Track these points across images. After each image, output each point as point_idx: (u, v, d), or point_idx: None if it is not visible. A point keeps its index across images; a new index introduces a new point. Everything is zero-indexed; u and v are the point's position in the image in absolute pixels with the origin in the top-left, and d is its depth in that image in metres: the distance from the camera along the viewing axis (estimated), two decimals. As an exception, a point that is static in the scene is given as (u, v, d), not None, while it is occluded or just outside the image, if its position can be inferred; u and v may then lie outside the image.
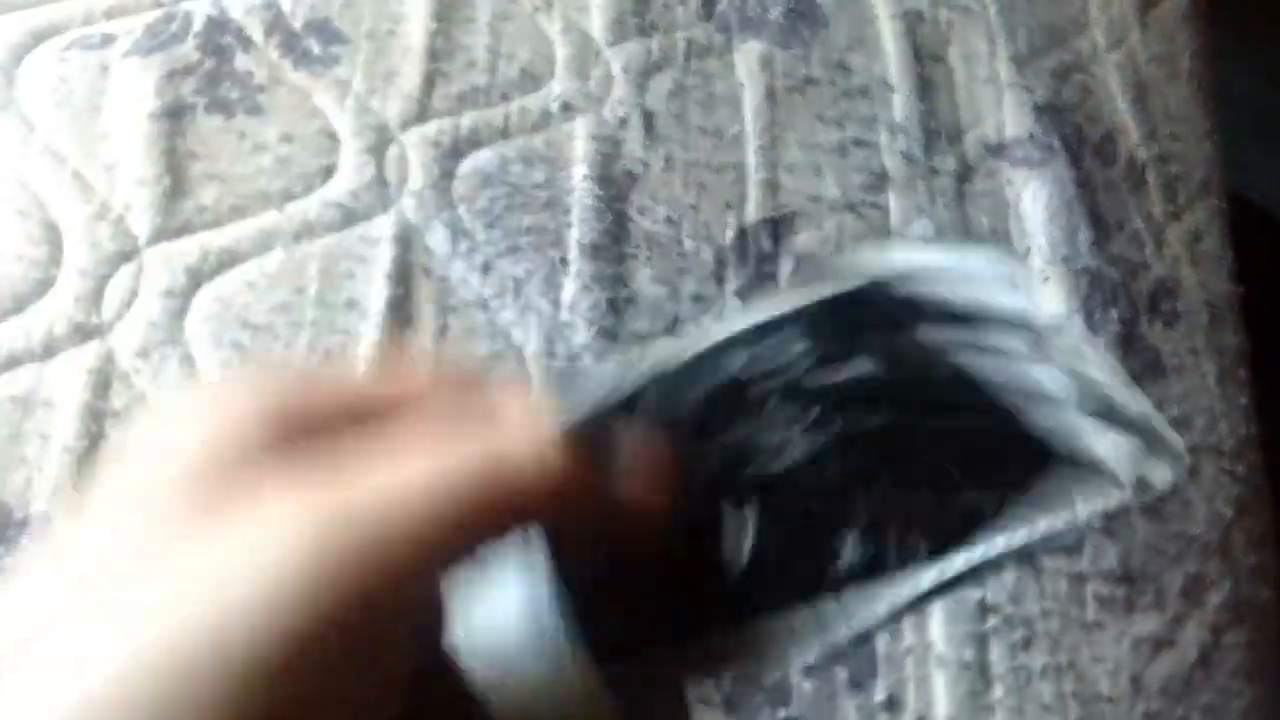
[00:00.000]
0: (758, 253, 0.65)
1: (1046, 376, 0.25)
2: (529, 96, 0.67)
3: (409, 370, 0.25)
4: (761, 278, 0.64)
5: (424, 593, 0.23)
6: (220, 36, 0.65)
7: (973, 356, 0.25)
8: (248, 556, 0.20)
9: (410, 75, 0.66)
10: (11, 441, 0.53)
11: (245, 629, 0.19)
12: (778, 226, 0.66)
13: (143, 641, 0.19)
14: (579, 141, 0.66)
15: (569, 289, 0.61)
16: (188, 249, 0.58)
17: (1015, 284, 0.26)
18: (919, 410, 0.25)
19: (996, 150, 0.72)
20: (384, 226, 0.61)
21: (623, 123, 0.67)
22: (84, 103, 0.61)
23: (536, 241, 0.62)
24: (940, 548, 0.25)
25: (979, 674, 0.56)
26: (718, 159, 0.68)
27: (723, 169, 0.67)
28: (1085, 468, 0.25)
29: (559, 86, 0.68)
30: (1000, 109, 0.74)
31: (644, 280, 0.63)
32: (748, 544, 0.24)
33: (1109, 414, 0.25)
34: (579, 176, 0.65)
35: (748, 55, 0.72)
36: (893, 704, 0.55)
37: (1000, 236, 0.69)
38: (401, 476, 0.21)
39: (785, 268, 0.65)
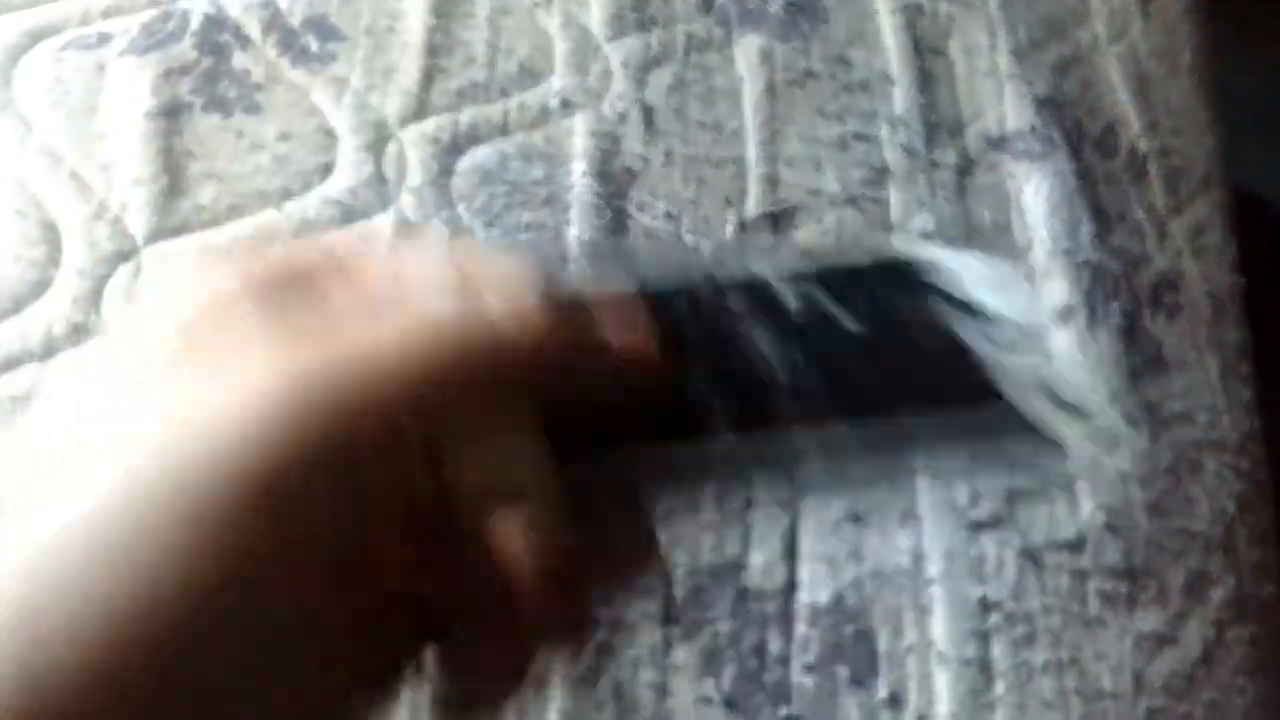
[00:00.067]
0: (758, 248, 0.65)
1: (1019, 363, 0.26)
2: (528, 92, 0.67)
3: (404, 238, 0.25)
4: (761, 274, 0.64)
5: (409, 440, 0.23)
6: (218, 35, 0.65)
7: (953, 324, 0.27)
8: (233, 395, 0.21)
9: (409, 71, 0.66)
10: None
11: (227, 459, 0.20)
12: (778, 221, 0.66)
13: (133, 465, 0.21)
14: (578, 137, 0.66)
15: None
16: (186, 248, 0.58)
17: (1004, 285, 0.27)
18: (888, 349, 0.27)
19: (997, 143, 0.72)
20: (382, 225, 0.61)
21: (622, 118, 0.67)
22: (81, 102, 0.61)
23: (536, 238, 0.62)
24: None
25: (981, 671, 0.56)
26: (717, 153, 0.67)
27: (723, 163, 0.67)
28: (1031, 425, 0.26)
29: (558, 82, 0.67)
30: (1001, 102, 0.74)
31: (643, 277, 0.62)
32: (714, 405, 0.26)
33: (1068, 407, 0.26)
34: (578, 173, 0.64)
35: (747, 49, 0.71)
36: (894, 701, 0.55)
37: (1001, 230, 0.69)
38: (384, 329, 0.22)
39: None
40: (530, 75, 0.67)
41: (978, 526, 0.59)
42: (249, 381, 0.21)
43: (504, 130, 0.65)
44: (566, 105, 0.67)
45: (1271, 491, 0.66)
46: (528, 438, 0.24)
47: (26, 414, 0.53)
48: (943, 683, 0.55)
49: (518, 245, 0.37)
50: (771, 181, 0.67)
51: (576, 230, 0.63)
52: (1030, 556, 0.59)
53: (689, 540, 0.56)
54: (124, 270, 0.57)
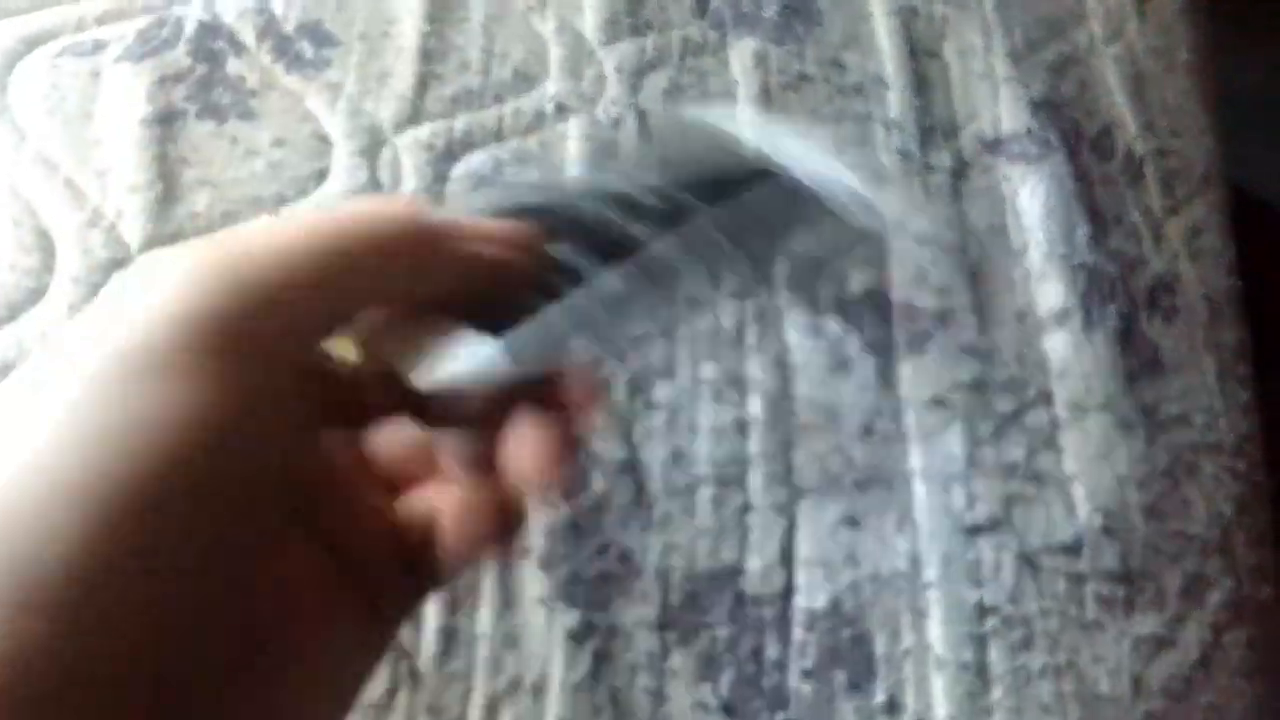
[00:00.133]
0: (753, 253, 0.64)
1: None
2: (522, 97, 0.67)
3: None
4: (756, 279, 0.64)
5: (309, 328, 0.26)
6: (212, 41, 0.65)
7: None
8: (132, 303, 0.24)
9: (403, 77, 0.66)
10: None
11: (138, 341, 0.23)
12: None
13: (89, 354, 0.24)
14: (573, 142, 0.65)
15: (564, 291, 0.61)
16: (180, 256, 0.58)
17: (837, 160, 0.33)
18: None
19: (993, 146, 0.72)
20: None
21: (617, 123, 0.67)
22: (76, 109, 0.61)
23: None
24: None
25: (978, 675, 0.55)
26: (713, 158, 0.67)
27: (718, 168, 0.67)
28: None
29: (553, 87, 0.67)
30: (996, 104, 0.73)
31: (639, 282, 0.62)
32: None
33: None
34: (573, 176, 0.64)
35: (742, 52, 0.71)
36: (892, 706, 0.55)
37: (997, 232, 0.69)
38: (278, 230, 0.26)
39: (780, 268, 0.64)
40: (525, 80, 0.67)
41: (974, 530, 0.59)
42: (157, 288, 0.24)
43: (498, 136, 0.65)
44: (561, 110, 0.67)
45: (1269, 494, 0.66)
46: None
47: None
48: (940, 687, 0.55)
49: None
50: (767, 185, 0.67)
51: (572, 235, 0.62)
52: (1027, 560, 0.59)
53: (686, 545, 0.56)
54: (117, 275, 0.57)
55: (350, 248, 0.26)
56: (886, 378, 0.62)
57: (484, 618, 0.53)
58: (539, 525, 0.55)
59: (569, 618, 0.53)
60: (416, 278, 0.28)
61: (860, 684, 0.55)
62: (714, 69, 0.71)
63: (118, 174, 0.60)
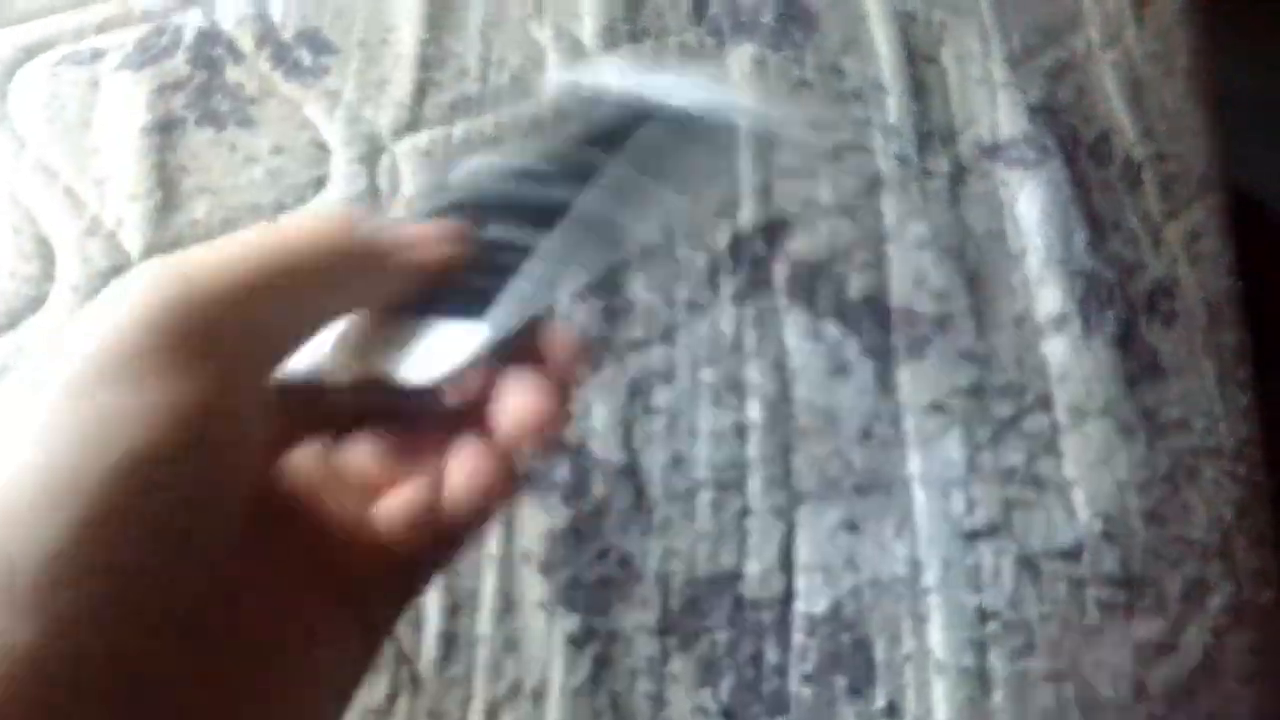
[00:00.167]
0: (752, 258, 0.64)
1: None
2: (520, 105, 0.67)
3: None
4: (756, 283, 0.64)
5: (258, 330, 0.27)
6: (211, 49, 0.65)
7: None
8: (105, 310, 0.25)
9: (401, 84, 0.66)
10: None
11: (107, 346, 0.24)
12: (772, 232, 0.66)
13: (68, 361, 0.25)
14: (571, 149, 0.66)
15: (563, 298, 0.61)
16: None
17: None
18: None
19: (991, 151, 0.72)
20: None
21: (615, 129, 0.67)
22: (75, 118, 0.61)
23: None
24: None
25: (978, 680, 0.55)
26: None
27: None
28: None
29: (551, 94, 0.68)
30: (994, 110, 0.74)
31: (638, 287, 0.62)
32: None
33: None
34: (572, 184, 0.64)
35: (740, 59, 0.71)
36: (892, 711, 0.55)
37: (996, 238, 0.69)
38: (229, 246, 0.27)
39: (780, 273, 0.64)
40: (522, 87, 0.67)
41: (974, 535, 0.59)
42: (116, 303, 0.25)
43: (496, 142, 0.65)
44: (559, 117, 0.67)
45: (1270, 497, 0.66)
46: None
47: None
48: (940, 692, 0.55)
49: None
50: (765, 192, 0.67)
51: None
52: (1027, 565, 0.58)
53: (686, 550, 0.56)
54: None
55: (295, 261, 0.27)
56: (885, 382, 0.62)
57: (484, 622, 0.52)
58: (539, 530, 0.55)
59: (569, 622, 0.53)
60: (365, 284, 0.29)
61: (860, 689, 0.54)
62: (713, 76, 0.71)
63: (117, 182, 0.60)
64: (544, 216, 0.33)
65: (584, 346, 0.31)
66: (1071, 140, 0.74)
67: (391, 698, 0.50)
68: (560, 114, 0.36)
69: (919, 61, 0.74)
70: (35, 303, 0.56)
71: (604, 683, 0.52)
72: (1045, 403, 0.63)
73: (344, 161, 0.63)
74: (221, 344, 0.25)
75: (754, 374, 0.61)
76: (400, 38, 0.68)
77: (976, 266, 0.67)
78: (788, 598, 0.56)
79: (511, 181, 0.34)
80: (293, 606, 0.28)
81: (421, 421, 0.31)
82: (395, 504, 0.29)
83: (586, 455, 0.57)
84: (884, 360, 0.63)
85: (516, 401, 0.30)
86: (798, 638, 0.55)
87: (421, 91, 0.66)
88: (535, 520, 0.55)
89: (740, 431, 0.59)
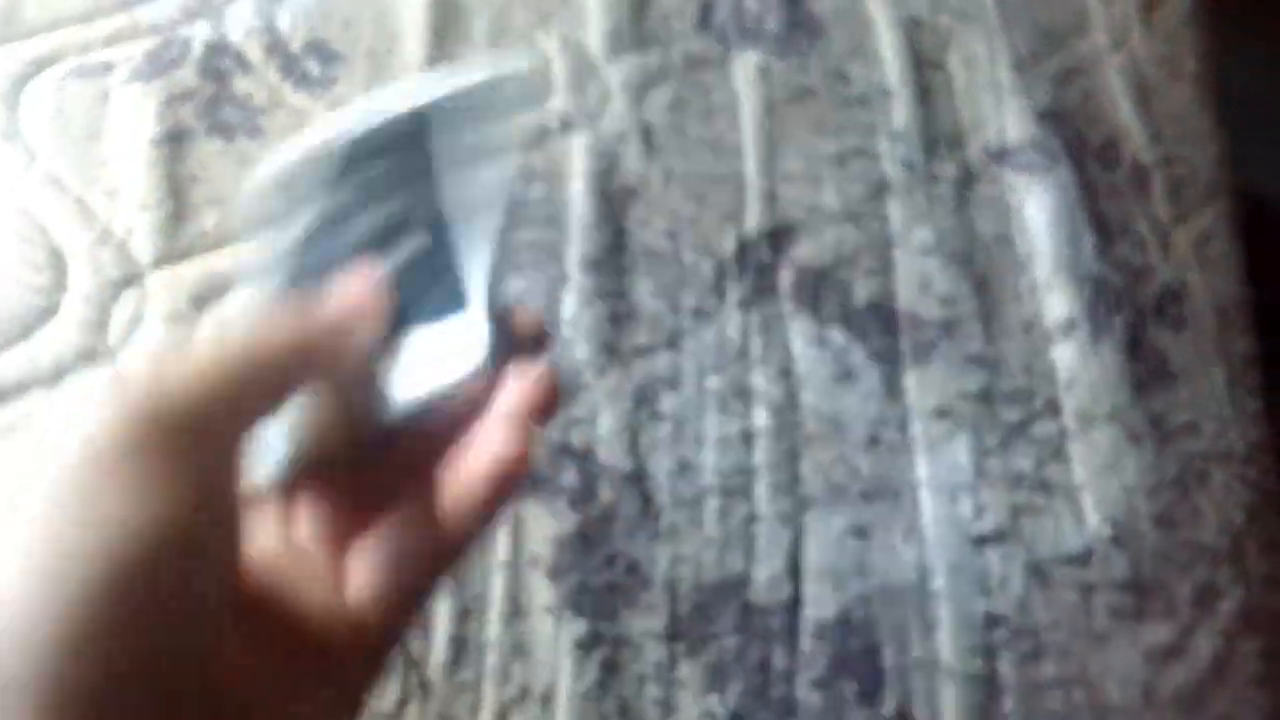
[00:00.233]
0: (757, 264, 0.65)
1: None
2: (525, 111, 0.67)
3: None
4: (761, 289, 0.64)
5: (224, 436, 0.28)
6: (219, 61, 0.65)
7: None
8: (76, 429, 0.26)
9: (409, 94, 0.67)
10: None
11: (83, 455, 0.26)
12: (777, 238, 0.66)
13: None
14: (577, 157, 0.66)
15: (569, 304, 0.61)
16: (190, 273, 0.59)
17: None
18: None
19: (998, 156, 0.72)
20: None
21: (621, 137, 0.67)
22: (85, 130, 0.62)
23: (536, 257, 0.62)
24: None
25: (988, 686, 0.55)
26: (717, 171, 0.67)
27: (722, 180, 0.67)
28: None
29: (557, 103, 0.68)
30: (1001, 115, 0.74)
31: (644, 293, 0.63)
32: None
33: None
34: (578, 192, 0.65)
35: (746, 66, 0.72)
36: (901, 717, 0.55)
37: (1003, 243, 0.69)
38: (181, 361, 0.28)
39: (785, 279, 0.64)
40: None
41: (982, 541, 0.59)
42: (88, 426, 0.27)
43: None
44: (566, 125, 0.67)
45: (1280, 501, 0.66)
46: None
47: (34, 437, 0.54)
48: (949, 698, 0.55)
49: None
50: (770, 198, 0.67)
51: (576, 249, 0.63)
52: (1036, 570, 0.58)
53: (693, 556, 0.56)
54: (129, 295, 0.57)
55: (254, 373, 0.29)
56: (892, 388, 0.62)
57: (493, 627, 0.53)
58: (547, 535, 0.55)
59: (577, 627, 0.53)
60: (326, 368, 0.32)
61: (869, 694, 0.54)
62: (718, 83, 0.71)
63: (128, 193, 0.60)
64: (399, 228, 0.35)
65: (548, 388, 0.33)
66: (1079, 145, 0.74)
67: (401, 703, 0.50)
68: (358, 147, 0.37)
69: (925, 67, 0.74)
70: (47, 313, 0.56)
71: (612, 688, 0.52)
72: (1053, 408, 0.63)
73: (352, 171, 0.63)
74: (193, 454, 0.27)
75: (760, 380, 0.61)
76: (407, 47, 0.68)
77: (984, 272, 0.67)
78: (795, 603, 0.56)
79: (340, 209, 0.36)
80: (272, 681, 0.29)
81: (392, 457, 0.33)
82: (362, 582, 0.31)
83: (593, 461, 0.57)
84: (891, 366, 0.63)
85: (515, 395, 0.31)
86: (806, 643, 0.55)
87: (429, 101, 0.66)
88: (543, 525, 0.55)
89: (747, 438, 0.59)
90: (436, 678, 0.51)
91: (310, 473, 0.32)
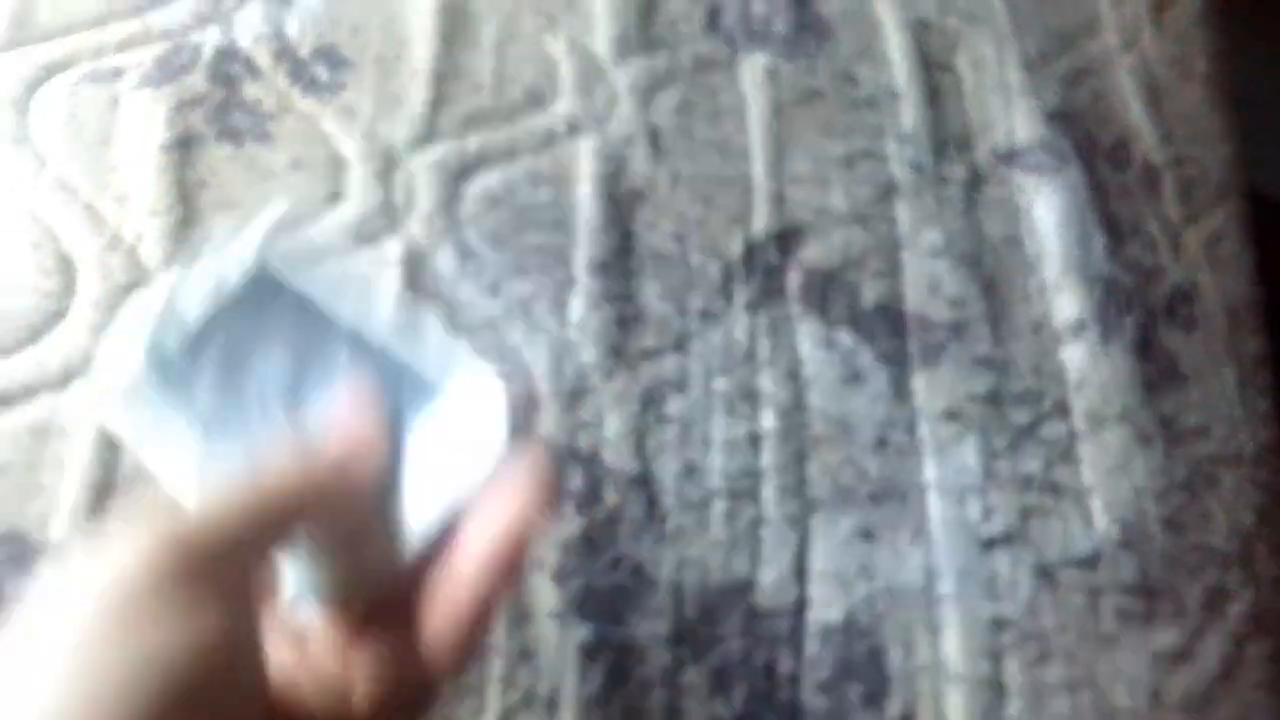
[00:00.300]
0: (765, 266, 0.65)
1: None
2: (534, 117, 0.67)
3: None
4: (769, 291, 0.64)
5: (236, 571, 0.30)
6: (229, 66, 0.66)
7: None
8: (104, 560, 0.28)
9: (417, 99, 0.67)
10: (29, 470, 0.54)
11: (115, 593, 0.27)
12: (785, 240, 0.66)
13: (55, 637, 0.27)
14: (584, 160, 0.66)
15: (577, 307, 0.61)
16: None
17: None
18: None
19: (1007, 158, 0.72)
20: (392, 249, 0.62)
21: (628, 140, 0.67)
22: (95, 135, 0.62)
23: (543, 261, 0.63)
24: None
25: (994, 689, 0.55)
26: (724, 173, 0.67)
27: (729, 183, 0.67)
28: None
29: (564, 106, 0.68)
30: (1010, 116, 0.73)
31: (651, 296, 0.63)
32: None
33: None
34: (585, 195, 0.65)
35: (753, 68, 0.72)
36: (908, 720, 0.55)
37: (1013, 244, 0.69)
38: (203, 504, 0.31)
39: (793, 281, 0.64)
40: (536, 100, 0.68)
41: (990, 543, 0.59)
42: (117, 559, 0.28)
43: (511, 155, 0.66)
44: (573, 129, 0.67)
45: (1292, 503, 0.66)
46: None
47: (44, 442, 0.54)
48: (955, 702, 0.55)
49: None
50: (778, 200, 0.67)
51: (584, 252, 0.63)
52: (1044, 573, 0.58)
53: (698, 560, 0.56)
54: (137, 300, 0.58)
55: (270, 504, 0.31)
56: (900, 390, 0.62)
57: (497, 632, 0.53)
58: (552, 539, 0.55)
59: (582, 632, 0.53)
60: (338, 503, 0.34)
61: (875, 699, 0.54)
62: (725, 85, 0.71)
63: (137, 198, 0.61)
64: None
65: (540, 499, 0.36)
66: (1089, 145, 0.73)
67: (406, 707, 0.51)
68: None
69: (934, 68, 0.74)
70: (56, 317, 0.57)
71: (617, 693, 0.52)
72: (1063, 409, 0.63)
73: (360, 176, 0.64)
74: (219, 584, 0.28)
75: (767, 383, 0.61)
76: (415, 53, 0.68)
77: (993, 273, 0.67)
78: (801, 607, 0.56)
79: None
80: None
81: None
82: (371, 690, 0.33)
83: (599, 464, 0.57)
84: (899, 367, 0.63)
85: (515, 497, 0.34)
86: (811, 647, 0.55)
87: (436, 106, 0.67)
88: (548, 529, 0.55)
89: (754, 440, 0.59)
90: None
91: (328, 596, 0.34)
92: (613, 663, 0.53)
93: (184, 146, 0.63)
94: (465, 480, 0.35)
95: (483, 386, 0.36)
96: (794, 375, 0.62)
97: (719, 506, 0.57)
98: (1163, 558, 0.60)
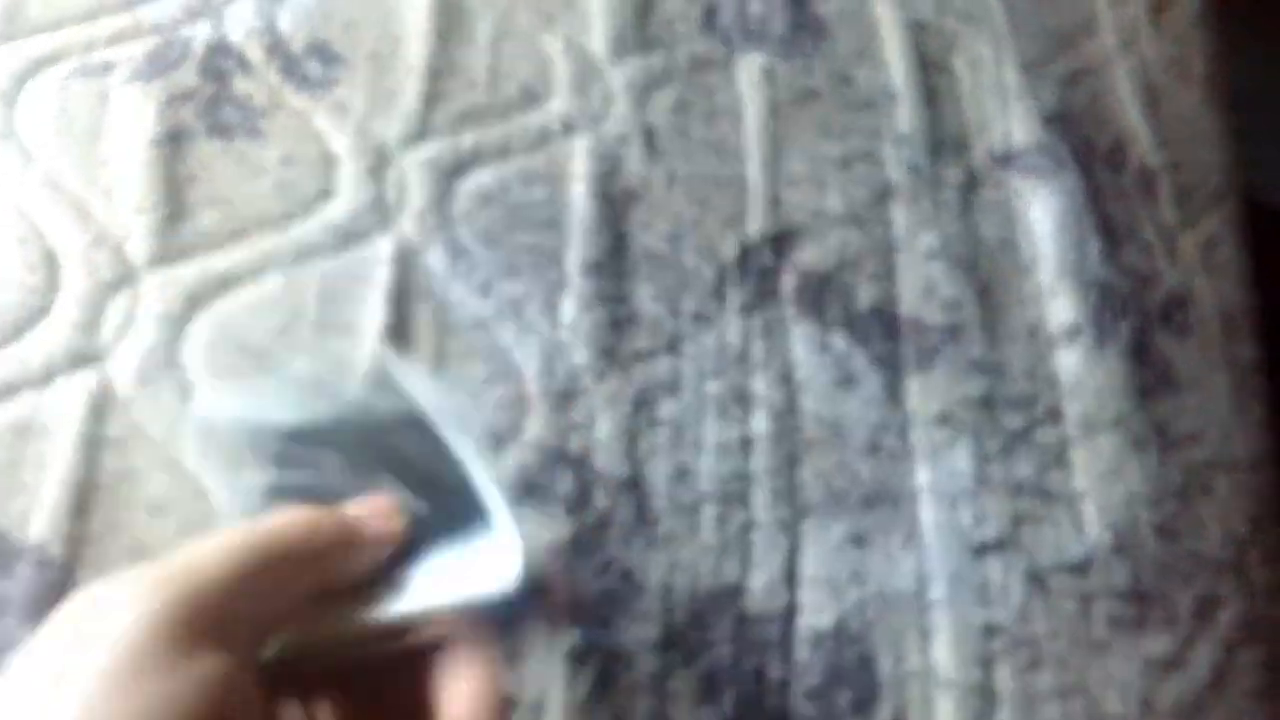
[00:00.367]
0: (759, 269, 0.64)
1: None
2: (529, 115, 0.67)
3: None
4: (763, 294, 0.63)
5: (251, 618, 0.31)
6: (220, 61, 0.65)
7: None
8: (110, 617, 0.29)
9: (410, 95, 0.66)
10: (10, 469, 0.53)
11: (119, 653, 0.28)
12: (780, 241, 0.65)
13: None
14: (579, 160, 0.65)
15: (569, 308, 0.61)
16: (186, 274, 0.59)
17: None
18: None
19: (1004, 160, 0.71)
20: (383, 248, 0.61)
21: (623, 140, 0.67)
22: (84, 130, 0.62)
23: (536, 261, 0.62)
24: None
25: (984, 697, 0.55)
26: (720, 173, 0.67)
27: (724, 183, 0.67)
28: None
29: (559, 105, 0.68)
30: (1007, 118, 0.73)
31: (644, 298, 0.62)
32: None
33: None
34: (579, 194, 0.64)
35: (750, 68, 0.71)
36: (898, 726, 0.54)
37: (1008, 247, 0.68)
38: (206, 550, 0.31)
39: (787, 283, 0.64)
40: (531, 98, 0.67)
41: (982, 549, 0.58)
42: (118, 615, 0.29)
43: (505, 153, 0.65)
44: (567, 128, 0.67)
45: (1286, 510, 0.65)
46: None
47: (26, 440, 0.54)
48: (946, 709, 0.54)
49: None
50: (774, 202, 0.66)
51: (576, 252, 0.62)
52: (1036, 579, 0.58)
53: (688, 564, 0.56)
54: (123, 296, 0.57)
55: (271, 555, 0.32)
56: (893, 393, 0.62)
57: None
58: (541, 542, 0.55)
59: (570, 637, 0.53)
60: (341, 562, 0.34)
61: (864, 705, 0.54)
62: (721, 85, 0.70)
63: (125, 194, 0.60)
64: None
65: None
66: (1086, 148, 0.73)
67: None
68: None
69: (931, 70, 0.74)
70: (40, 313, 0.56)
71: (605, 698, 0.52)
72: (1056, 415, 0.63)
73: (352, 172, 0.63)
74: (223, 645, 0.29)
75: (760, 386, 0.61)
76: (409, 49, 0.68)
77: (988, 277, 0.67)
78: (791, 612, 0.56)
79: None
80: None
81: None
82: None
83: (589, 467, 0.57)
84: (892, 371, 0.62)
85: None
86: (801, 653, 0.55)
87: (430, 103, 0.66)
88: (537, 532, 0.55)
89: (745, 444, 0.59)
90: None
91: (319, 660, 0.35)
92: (601, 668, 0.53)
93: (174, 142, 0.62)
94: (453, 595, 0.36)
95: (504, 543, 0.36)
96: (787, 378, 0.61)
97: (710, 510, 0.57)
98: (1155, 564, 0.59)
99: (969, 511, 0.59)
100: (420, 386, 0.39)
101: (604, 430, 0.58)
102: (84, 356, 0.55)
